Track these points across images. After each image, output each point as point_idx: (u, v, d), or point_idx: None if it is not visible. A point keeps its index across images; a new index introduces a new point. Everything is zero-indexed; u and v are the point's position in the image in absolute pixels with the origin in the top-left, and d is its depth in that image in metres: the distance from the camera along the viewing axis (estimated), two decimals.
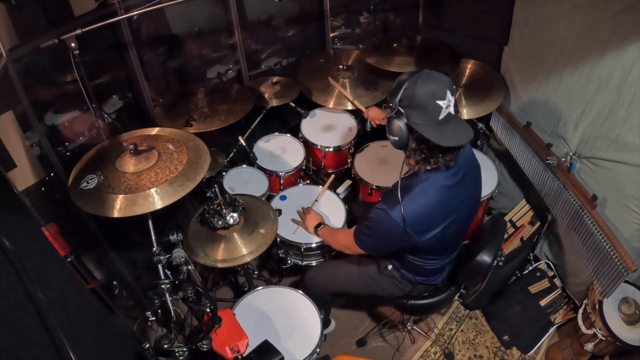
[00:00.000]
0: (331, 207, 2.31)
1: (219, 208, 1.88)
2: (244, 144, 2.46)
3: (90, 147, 1.75)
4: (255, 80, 2.74)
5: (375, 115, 2.15)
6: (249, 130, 2.57)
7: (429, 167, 1.47)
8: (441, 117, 1.37)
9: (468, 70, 2.62)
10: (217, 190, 1.91)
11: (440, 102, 1.36)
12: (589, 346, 2.08)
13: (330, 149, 2.59)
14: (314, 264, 2.21)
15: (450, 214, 1.55)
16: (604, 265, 1.93)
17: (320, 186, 2.42)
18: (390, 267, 1.85)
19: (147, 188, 1.52)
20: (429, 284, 1.88)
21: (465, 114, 2.37)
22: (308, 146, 2.64)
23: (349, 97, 2.52)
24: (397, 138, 1.45)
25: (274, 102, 2.56)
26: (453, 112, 1.41)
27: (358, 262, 1.98)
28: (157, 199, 1.50)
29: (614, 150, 1.93)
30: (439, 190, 1.49)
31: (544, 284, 2.48)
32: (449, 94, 1.37)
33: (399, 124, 1.41)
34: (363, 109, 2.28)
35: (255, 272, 2.61)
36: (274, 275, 2.68)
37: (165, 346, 1.44)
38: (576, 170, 2.13)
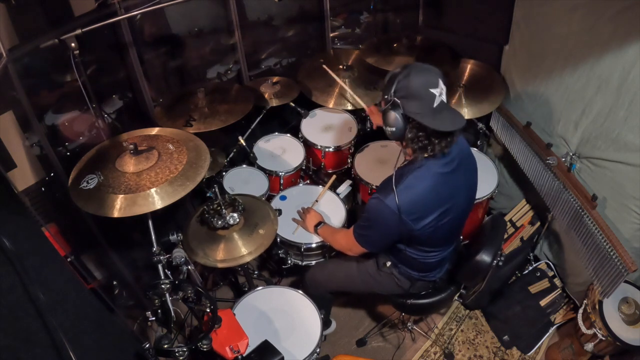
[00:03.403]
0: (331, 207, 2.31)
1: (218, 208, 1.88)
2: (244, 144, 2.46)
3: (90, 147, 1.75)
4: (255, 80, 2.74)
5: (378, 119, 2.16)
6: (249, 130, 2.57)
7: (425, 155, 1.50)
8: (435, 104, 1.43)
9: (468, 70, 2.61)
10: (217, 190, 1.91)
11: (433, 90, 1.41)
12: (589, 346, 2.08)
13: (330, 149, 2.59)
14: (314, 264, 2.21)
15: (445, 202, 1.57)
16: (604, 265, 1.93)
17: (321, 186, 2.42)
18: (388, 263, 1.85)
19: (147, 188, 1.52)
20: (428, 280, 1.88)
21: (466, 113, 2.37)
22: (308, 146, 2.64)
23: (350, 91, 2.47)
24: (394, 129, 1.48)
25: (274, 102, 2.56)
26: (445, 100, 1.45)
27: (357, 260, 1.98)
28: (157, 199, 1.50)
29: (614, 150, 1.93)
30: (433, 177, 1.52)
31: (544, 284, 2.48)
32: (440, 82, 1.43)
33: (395, 115, 1.45)
34: (365, 106, 2.27)
35: (255, 272, 2.61)
36: (274, 275, 2.68)
37: (165, 346, 1.43)
38: (576, 170, 2.13)
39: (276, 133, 2.73)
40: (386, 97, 1.48)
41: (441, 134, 1.45)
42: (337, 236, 1.97)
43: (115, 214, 1.47)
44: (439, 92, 1.42)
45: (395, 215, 1.50)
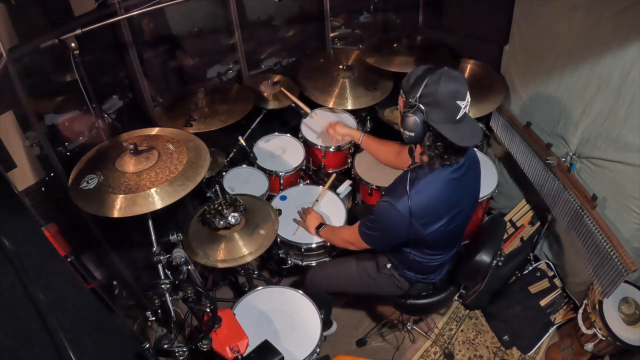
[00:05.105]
0: (331, 207, 2.31)
1: (220, 208, 1.88)
2: (244, 144, 2.46)
3: (90, 147, 1.75)
4: (255, 80, 2.74)
5: (342, 131, 2.22)
6: (249, 130, 2.57)
7: (440, 162, 1.48)
8: (458, 116, 1.39)
9: (468, 70, 2.62)
10: (218, 190, 1.91)
11: (460, 103, 1.37)
12: (589, 346, 2.08)
13: (331, 149, 2.59)
14: (314, 264, 2.21)
15: (454, 206, 1.56)
16: (604, 265, 1.93)
17: (321, 186, 2.42)
18: (389, 265, 1.85)
19: (147, 188, 1.52)
20: (428, 282, 1.88)
21: None
22: (308, 146, 2.63)
23: (294, 98, 2.50)
24: (413, 134, 1.43)
25: (274, 105, 2.56)
26: (467, 112, 1.43)
27: (357, 262, 1.98)
28: (157, 199, 1.50)
29: (614, 150, 1.93)
30: (444, 182, 1.50)
31: (544, 284, 2.48)
32: (468, 94, 1.39)
33: (417, 120, 1.40)
34: (308, 110, 2.32)
35: (256, 272, 2.61)
36: (274, 275, 2.68)
37: (165, 346, 1.43)
38: (576, 170, 2.13)
39: (276, 133, 2.73)
40: (410, 100, 1.41)
41: (459, 146, 1.42)
42: (339, 232, 1.97)
43: (115, 214, 1.47)
44: (465, 104, 1.38)
45: (405, 220, 1.49)
